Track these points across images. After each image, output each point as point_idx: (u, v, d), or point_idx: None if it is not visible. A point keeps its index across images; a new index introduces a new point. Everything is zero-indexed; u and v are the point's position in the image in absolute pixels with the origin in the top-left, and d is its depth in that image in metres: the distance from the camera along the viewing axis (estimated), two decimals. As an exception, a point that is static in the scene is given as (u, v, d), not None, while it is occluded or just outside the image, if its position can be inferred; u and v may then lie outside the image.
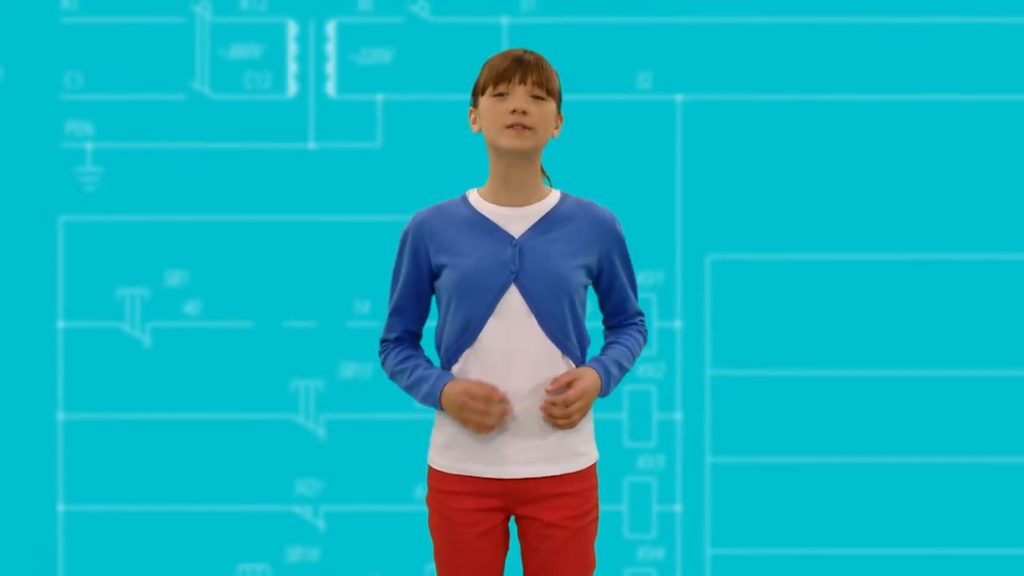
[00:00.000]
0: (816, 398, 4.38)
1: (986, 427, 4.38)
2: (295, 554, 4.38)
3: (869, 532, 4.38)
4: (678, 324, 4.38)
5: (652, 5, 4.39)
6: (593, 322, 2.94)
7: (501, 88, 2.82)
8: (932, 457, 4.38)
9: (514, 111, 2.80)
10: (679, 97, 4.39)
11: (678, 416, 4.38)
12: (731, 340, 4.39)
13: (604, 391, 2.89)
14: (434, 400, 2.87)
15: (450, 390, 2.84)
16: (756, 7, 4.39)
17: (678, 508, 4.39)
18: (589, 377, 2.86)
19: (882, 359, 4.38)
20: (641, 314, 3.04)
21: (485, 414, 2.81)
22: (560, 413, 2.83)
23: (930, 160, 4.39)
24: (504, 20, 4.38)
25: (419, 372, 2.91)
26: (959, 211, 4.39)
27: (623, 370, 2.94)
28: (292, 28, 4.37)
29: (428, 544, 2.94)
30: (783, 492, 4.38)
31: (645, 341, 3.05)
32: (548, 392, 2.83)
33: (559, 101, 2.89)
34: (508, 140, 2.82)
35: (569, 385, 2.84)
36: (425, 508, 2.98)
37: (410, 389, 2.93)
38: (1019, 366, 4.38)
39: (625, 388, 4.35)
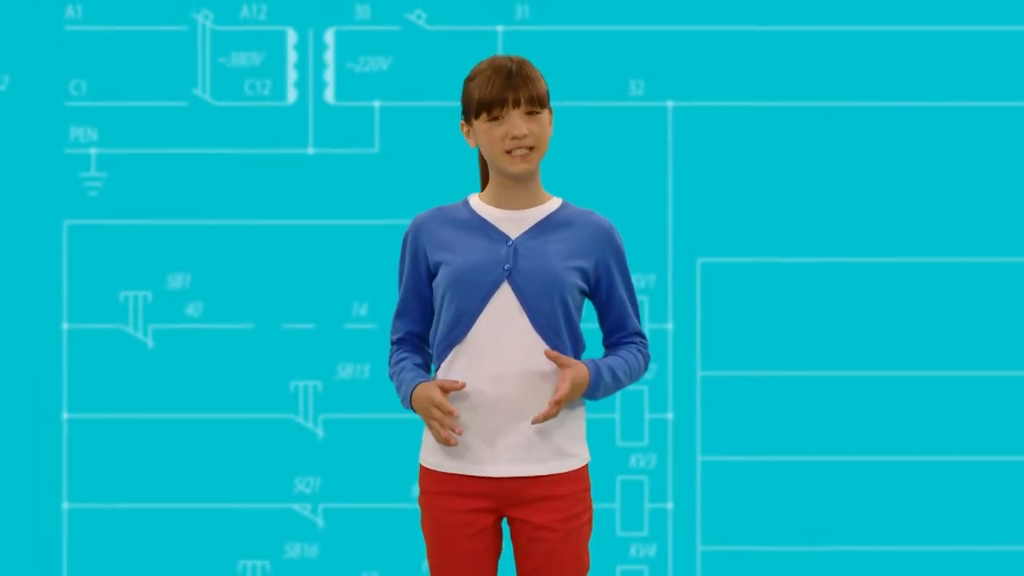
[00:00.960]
0: (804, 398, 4.40)
1: (974, 426, 4.40)
2: (294, 551, 4.39)
3: (858, 529, 4.40)
4: (669, 326, 4.40)
5: (644, 13, 4.41)
6: (588, 323, 2.92)
7: (495, 113, 2.78)
8: (921, 456, 4.40)
9: (513, 137, 2.77)
10: (670, 103, 4.41)
11: (669, 416, 4.40)
12: (721, 341, 4.40)
13: (591, 390, 2.80)
14: (407, 404, 2.84)
15: (418, 393, 2.80)
16: (747, 15, 4.41)
17: (670, 506, 4.41)
18: (580, 371, 2.78)
19: (869, 360, 4.41)
20: (642, 335, 2.94)
21: (442, 427, 2.76)
22: (549, 411, 2.75)
23: (918, 165, 4.41)
24: (499, 28, 4.39)
25: (402, 375, 2.87)
26: (947, 215, 4.41)
27: (617, 380, 2.84)
28: (292, 36, 4.39)
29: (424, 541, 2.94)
30: (772, 490, 4.40)
31: (646, 364, 2.94)
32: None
33: (549, 101, 2.84)
34: (512, 166, 2.79)
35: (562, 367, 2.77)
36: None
37: (397, 390, 2.89)
38: (1008, 367, 4.41)
39: (618, 388, 4.35)
